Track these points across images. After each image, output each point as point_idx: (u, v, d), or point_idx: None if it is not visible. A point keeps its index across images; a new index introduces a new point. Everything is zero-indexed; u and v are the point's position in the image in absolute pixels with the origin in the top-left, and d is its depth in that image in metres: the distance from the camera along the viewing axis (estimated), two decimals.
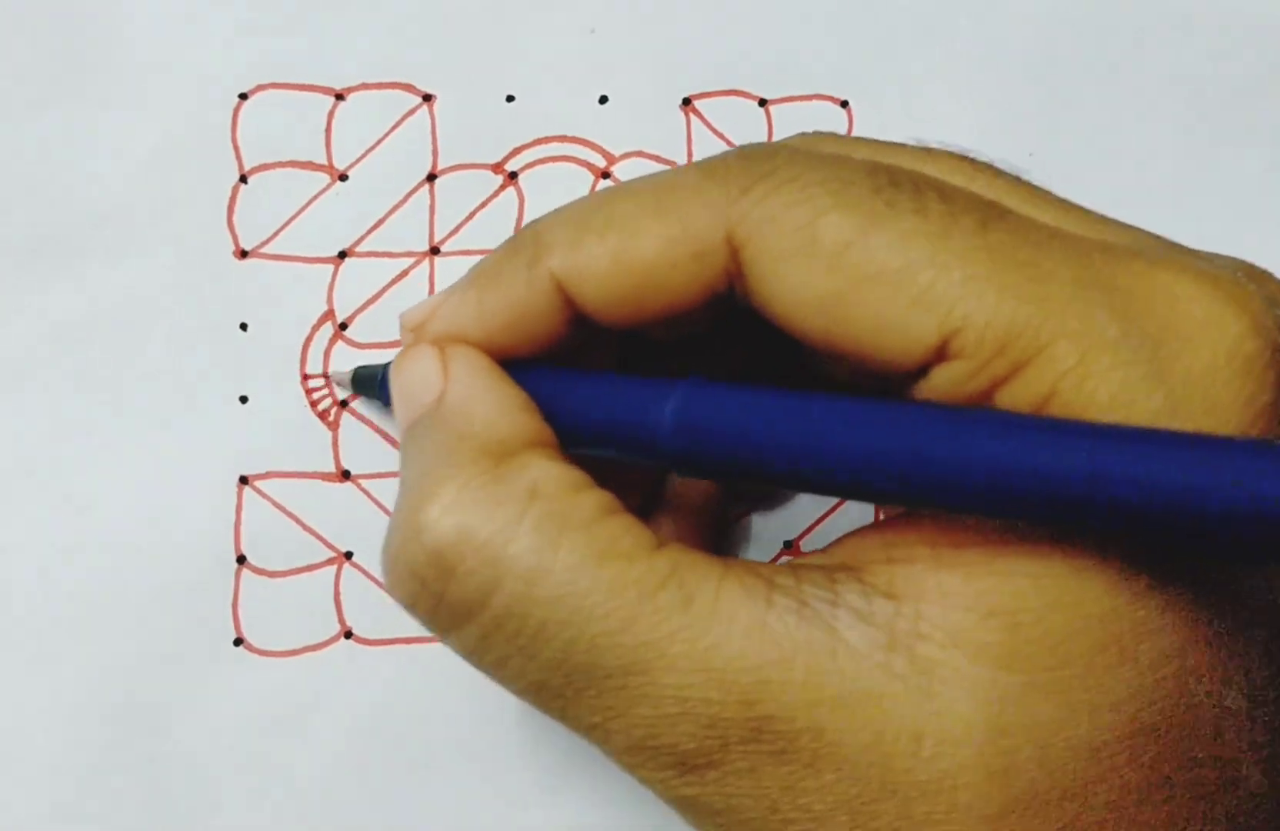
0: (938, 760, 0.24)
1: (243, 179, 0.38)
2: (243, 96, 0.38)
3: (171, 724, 0.37)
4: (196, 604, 0.37)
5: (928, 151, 0.29)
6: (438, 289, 0.38)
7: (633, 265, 0.28)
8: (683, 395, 0.27)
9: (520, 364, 0.29)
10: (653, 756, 0.26)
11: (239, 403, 0.38)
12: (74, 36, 0.38)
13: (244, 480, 0.38)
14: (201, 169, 0.38)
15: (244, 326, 0.38)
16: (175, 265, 0.38)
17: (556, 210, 0.30)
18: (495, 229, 0.39)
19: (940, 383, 0.26)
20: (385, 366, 0.34)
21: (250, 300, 0.38)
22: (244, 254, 0.38)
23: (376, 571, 0.38)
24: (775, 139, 0.39)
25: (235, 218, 0.38)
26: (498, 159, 0.39)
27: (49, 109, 0.38)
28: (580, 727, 0.27)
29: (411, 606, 0.27)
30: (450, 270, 0.38)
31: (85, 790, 0.37)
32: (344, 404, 0.38)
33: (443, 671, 0.38)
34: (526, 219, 0.38)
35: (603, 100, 0.39)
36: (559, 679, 0.26)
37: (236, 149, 0.38)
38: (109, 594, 0.37)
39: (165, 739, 0.37)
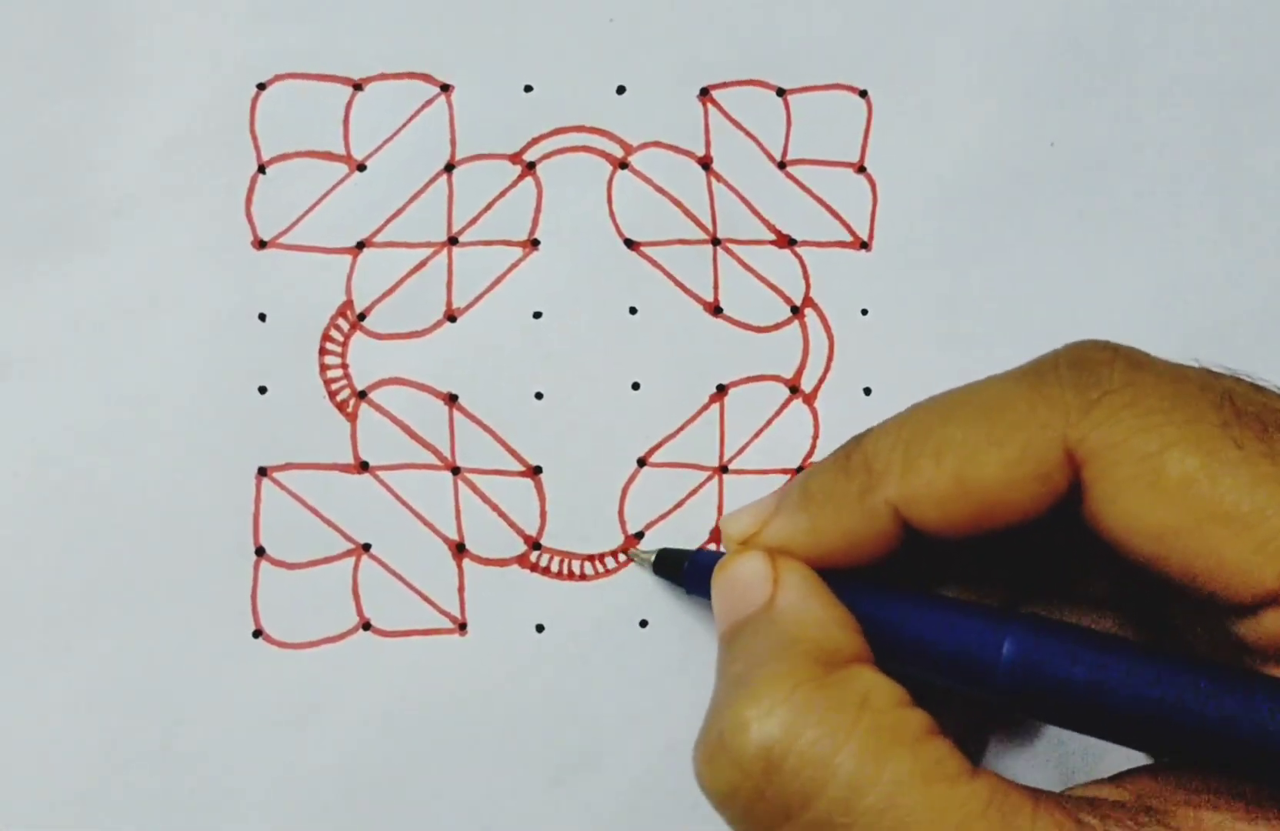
0: None
1: (261, 169, 0.38)
2: (261, 86, 0.38)
3: (190, 714, 0.37)
4: (215, 595, 0.37)
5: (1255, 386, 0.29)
6: (456, 281, 0.38)
7: (973, 490, 0.28)
8: (1018, 636, 0.28)
9: (839, 575, 0.31)
10: None
11: (257, 393, 0.38)
12: (92, 27, 0.38)
13: (262, 471, 0.38)
14: (219, 159, 0.38)
15: (262, 317, 0.38)
16: (193, 255, 0.38)
17: (880, 428, 0.31)
18: (513, 219, 0.39)
19: (1272, 625, 0.26)
20: (696, 554, 0.37)
21: (269, 290, 0.38)
22: (262, 244, 0.38)
23: (395, 563, 0.38)
24: (794, 127, 0.39)
25: (253, 208, 0.38)
26: (516, 149, 0.39)
27: (67, 99, 0.38)
28: None
29: (729, 796, 0.28)
30: (468, 260, 0.38)
31: (103, 780, 0.37)
32: (362, 395, 0.38)
33: (460, 664, 0.38)
34: (544, 212, 0.38)
35: (620, 90, 0.39)
36: None
37: (255, 139, 0.38)
38: (128, 585, 0.37)
39: (184, 729, 0.37)
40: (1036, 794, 0.27)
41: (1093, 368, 0.28)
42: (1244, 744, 0.26)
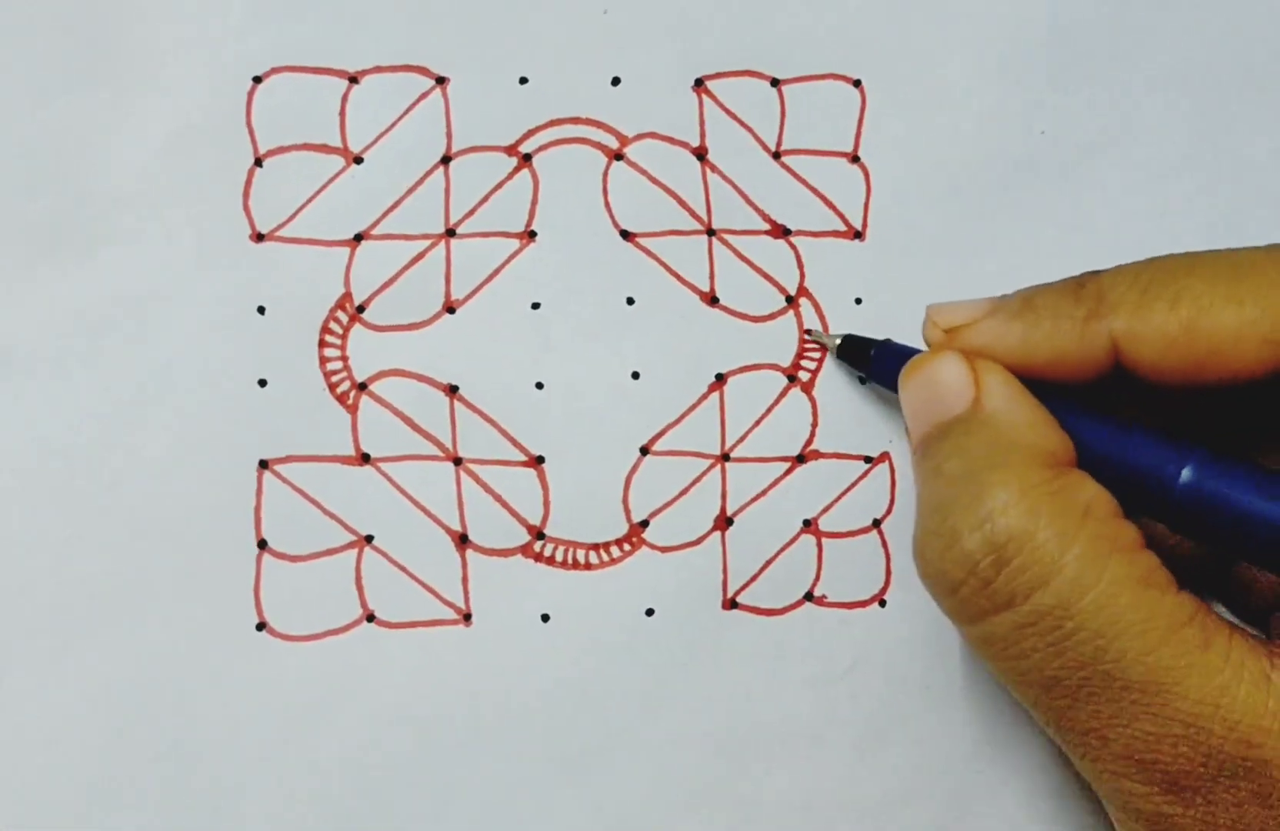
0: None
1: (258, 162, 0.38)
2: (257, 80, 0.38)
3: (194, 708, 0.37)
4: (218, 588, 0.37)
5: None
6: (454, 272, 0.38)
7: (1202, 338, 0.30)
8: (1199, 462, 0.30)
9: (1039, 387, 0.32)
10: (1143, 769, 0.28)
11: (258, 386, 0.38)
12: (89, 24, 0.38)
13: (264, 464, 0.37)
14: (217, 153, 0.38)
15: (261, 310, 0.38)
16: (192, 249, 0.38)
17: (1117, 268, 0.32)
18: (511, 211, 0.38)
19: None
20: (886, 343, 0.37)
21: (267, 283, 0.38)
22: (260, 237, 0.38)
23: (398, 555, 0.38)
24: (789, 117, 0.39)
25: (251, 201, 0.38)
26: (511, 141, 0.39)
27: (65, 96, 0.38)
28: (1075, 729, 0.29)
29: (956, 585, 0.30)
30: (466, 252, 0.38)
31: (109, 774, 0.37)
32: (362, 386, 0.38)
33: (465, 654, 0.38)
34: (541, 203, 0.38)
35: (615, 81, 0.39)
36: (1075, 680, 0.28)
37: (251, 132, 0.38)
38: (130, 579, 0.37)
39: (188, 723, 0.37)
40: (1231, 623, 0.29)
41: None
42: None
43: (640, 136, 0.39)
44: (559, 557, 0.38)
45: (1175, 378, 0.30)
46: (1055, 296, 0.32)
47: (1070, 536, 0.28)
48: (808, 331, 0.39)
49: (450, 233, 0.38)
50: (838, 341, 0.38)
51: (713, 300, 0.39)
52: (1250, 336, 0.29)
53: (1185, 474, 0.30)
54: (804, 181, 0.40)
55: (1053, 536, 0.28)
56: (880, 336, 0.38)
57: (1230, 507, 0.29)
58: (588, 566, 0.38)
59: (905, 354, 0.35)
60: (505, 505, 0.38)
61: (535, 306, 0.38)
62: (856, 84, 0.40)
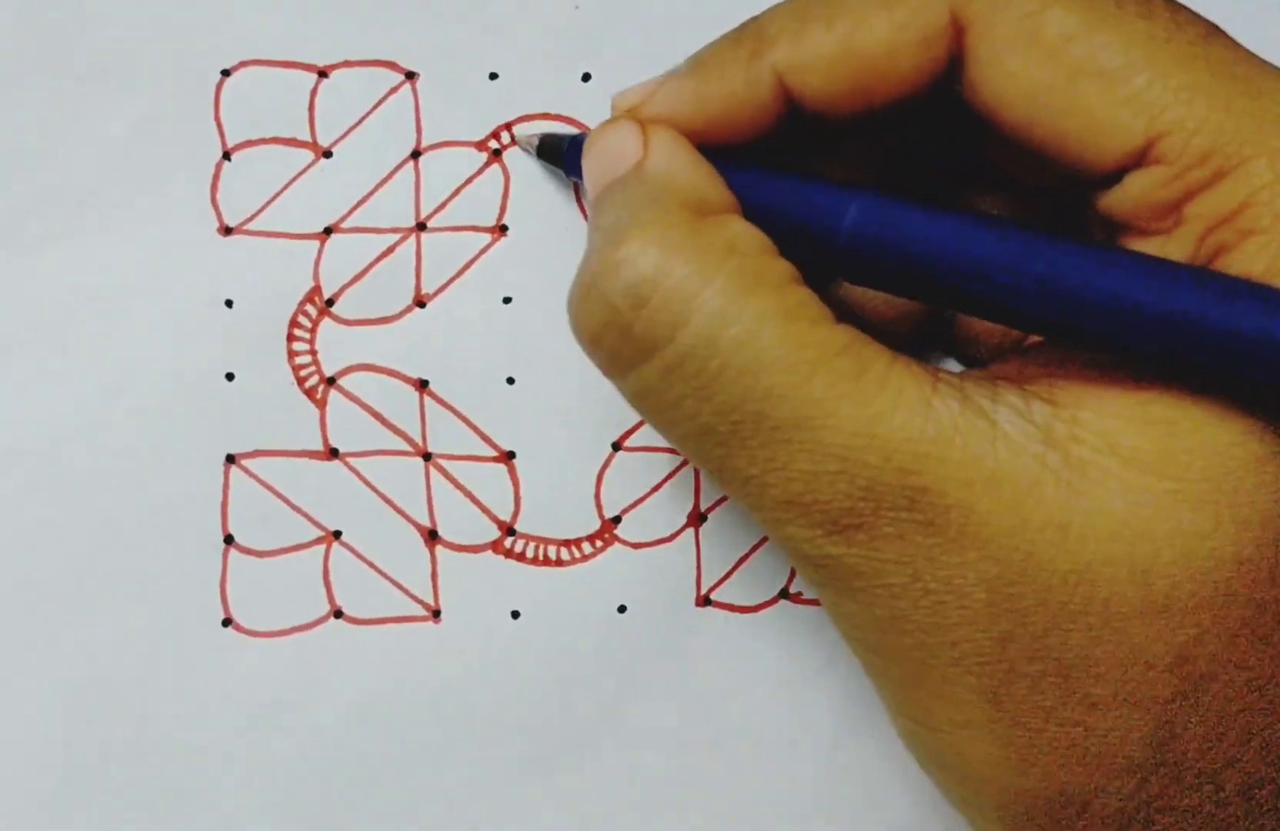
0: (1081, 552, 0.26)
1: (226, 156, 0.38)
2: (225, 73, 0.38)
3: (160, 704, 0.37)
4: (184, 584, 0.37)
5: None
6: (424, 267, 0.38)
7: (860, 53, 0.29)
8: (863, 204, 0.28)
9: (710, 151, 0.31)
10: (805, 512, 0.27)
11: (225, 380, 0.37)
12: (55, 14, 0.37)
13: (230, 459, 0.37)
14: (184, 146, 0.38)
15: (229, 303, 0.37)
16: (159, 243, 0.37)
17: (777, 4, 0.31)
18: (481, 205, 0.38)
19: (1134, 190, 0.27)
20: (574, 135, 0.36)
21: (235, 277, 0.37)
22: (228, 231, 0.38)
23: (366, 550, 0.37)
24: None
25: (219, 194, 0.38)
26: (482, 136, 0.39)
27: (30, 87, 0.37)
28: (736, 479, 0.28)
29: (597, 337, 0.28)
30: (437, 246, 0.38)
31: (73, 773, 0.36)
32: (331, 381, 0.37)
33: (434, 651, 0.37)
34: (512, 197, 0.38)
35: (586, 78, 0.39)
36: (727, 425, 0.27)
37: (219, 126, 0.38)
38: (95, 573, 0.37)
39: (154, 720, 0.37)
40: (895, 352, 0.27)
41: None
42: (1094, 309, 0.26)
43: None
44: (530, 554, 0.38)
45: (844, 107, 0.29)
46: (720, 47, 0.31)
47: (709, 273, 0.27)
48: (512, 134, 0.38)
49: (421, 226, 0.38)
50: (535, 142, 0.38)
51: None
52: (905, 43, 0.28)
53: (851, 214, 0.28)
54: None
55: (690, 273, 0.27)
56: None
57: (899, 246, 0.28)
58: (559, 563, 0.38)
59: None
60: (475, 501, 0.38)
61: (506, 301, 0.38)
62: None
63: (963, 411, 0.26)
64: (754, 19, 0.31)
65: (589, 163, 0.31)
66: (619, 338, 0.28)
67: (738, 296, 0.27)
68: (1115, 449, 0.26)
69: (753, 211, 0.30)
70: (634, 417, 0.38)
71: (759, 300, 0.27)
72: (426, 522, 0.38)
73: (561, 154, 0.37)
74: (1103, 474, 0.26)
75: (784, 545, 0.28)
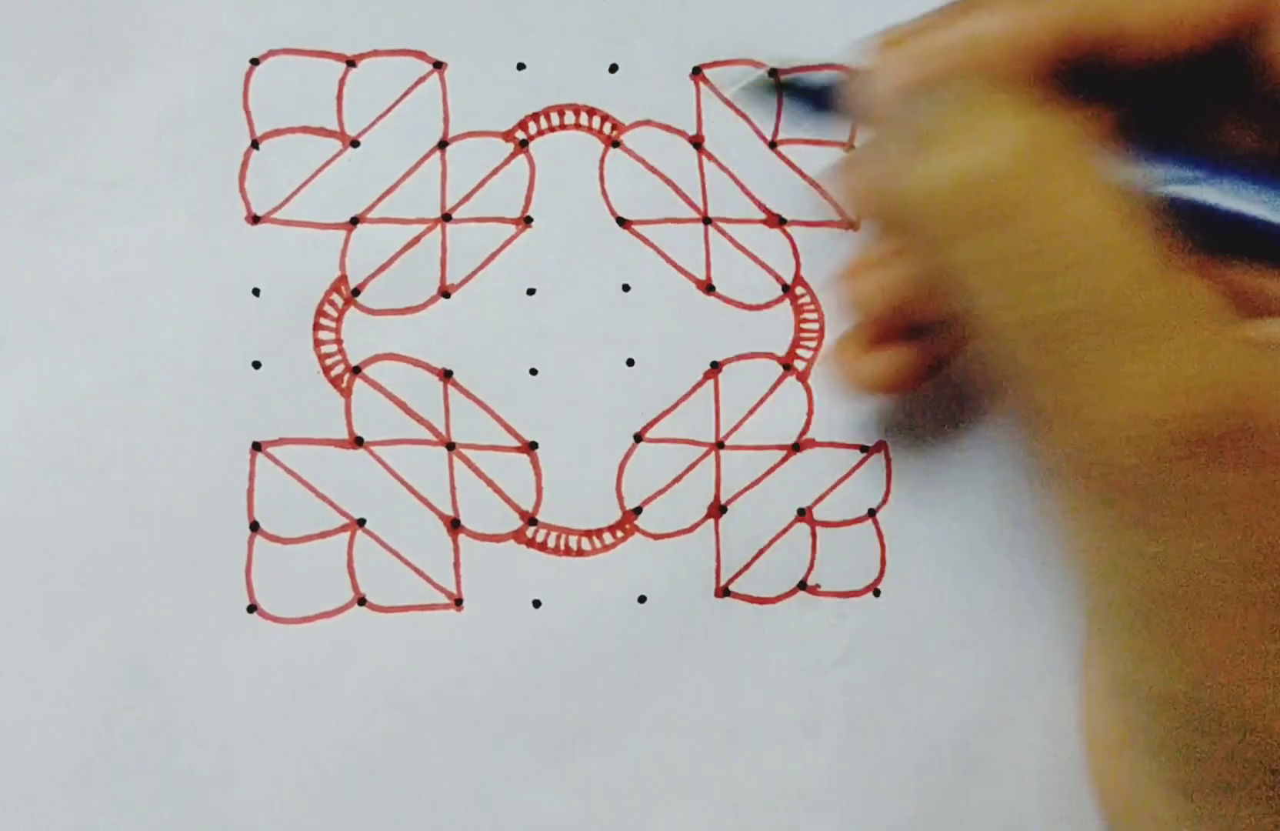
0: None
1: (254, 144, 0.38)
2: (254, 62, 0.38)
3: (185, 691, 0.37)
4: (210, 571, 0.37)
5: None
6: (450, 257, 0.38)
7: None
8: None
9: None
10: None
11: (252, 368, 0.38)
12: (84, 2, 0.38)
13: (257, 447, 0.37)
14: (213, 134, 0.38)
15: (256, 292, 0.38)
16: (187, 231, 0.38)
17: None
18: (507, 196, 0.38)
19: None
20: (836, 75, 0.35)
21: (262, 266, 0.38)
22: (256, 219, 0.38)
23: (390, 538, 0.38)
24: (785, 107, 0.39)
25: (247, 183, 0.38)
26: (509, 127, 0.39)
27: (60, 75, 0.38)
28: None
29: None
30: (462, 236, 0.38)
31: (98, 759, 0.37)
32: (356, 370, 0.38)
33: (456, 639, 0.38)
34: (537, 189, 0.38)
35: (613, 69, 0.39)
36: None
37: (248, 114, 0.38)
38: (122, 561, 0.37)
39: (179, 707, 0.37)
40: None
41: None
42: None
43: (637, 124, 0.39)
44: (551, 543, 0.38)
45: (1150, 46, 0.30)
46: None
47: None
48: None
49: (446, 217, 0.38)
50: (764, 79, 0.36)
51: (709, 288, 0.39)
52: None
53: None
54: (800, 172, 0.40)
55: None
56: None
57: None
58: (580, 553, 0.38)
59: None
60: (498, 490, 0.38)
61: (530, 292, 0.38)
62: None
63: None
64: None
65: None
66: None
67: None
68: None
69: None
70: (656, 409, 0.38)
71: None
72: (449, 512, 0.38)
73: (824, 93, 0.35)
74: None
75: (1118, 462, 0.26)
